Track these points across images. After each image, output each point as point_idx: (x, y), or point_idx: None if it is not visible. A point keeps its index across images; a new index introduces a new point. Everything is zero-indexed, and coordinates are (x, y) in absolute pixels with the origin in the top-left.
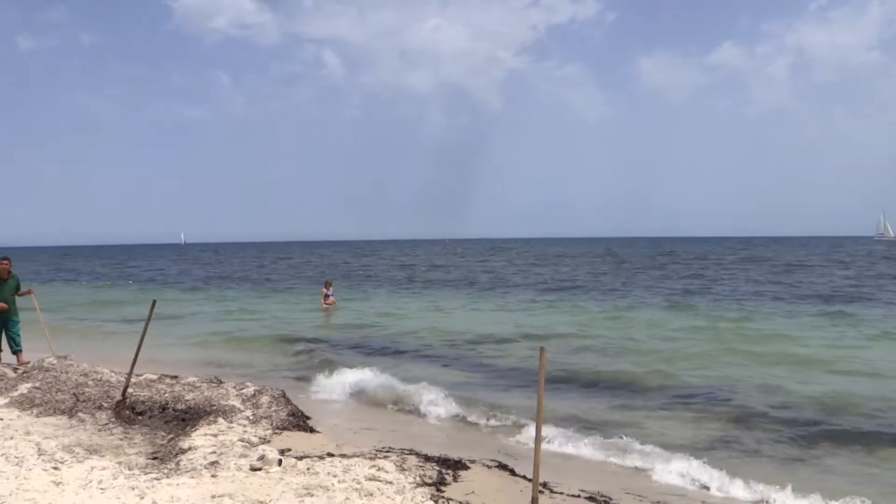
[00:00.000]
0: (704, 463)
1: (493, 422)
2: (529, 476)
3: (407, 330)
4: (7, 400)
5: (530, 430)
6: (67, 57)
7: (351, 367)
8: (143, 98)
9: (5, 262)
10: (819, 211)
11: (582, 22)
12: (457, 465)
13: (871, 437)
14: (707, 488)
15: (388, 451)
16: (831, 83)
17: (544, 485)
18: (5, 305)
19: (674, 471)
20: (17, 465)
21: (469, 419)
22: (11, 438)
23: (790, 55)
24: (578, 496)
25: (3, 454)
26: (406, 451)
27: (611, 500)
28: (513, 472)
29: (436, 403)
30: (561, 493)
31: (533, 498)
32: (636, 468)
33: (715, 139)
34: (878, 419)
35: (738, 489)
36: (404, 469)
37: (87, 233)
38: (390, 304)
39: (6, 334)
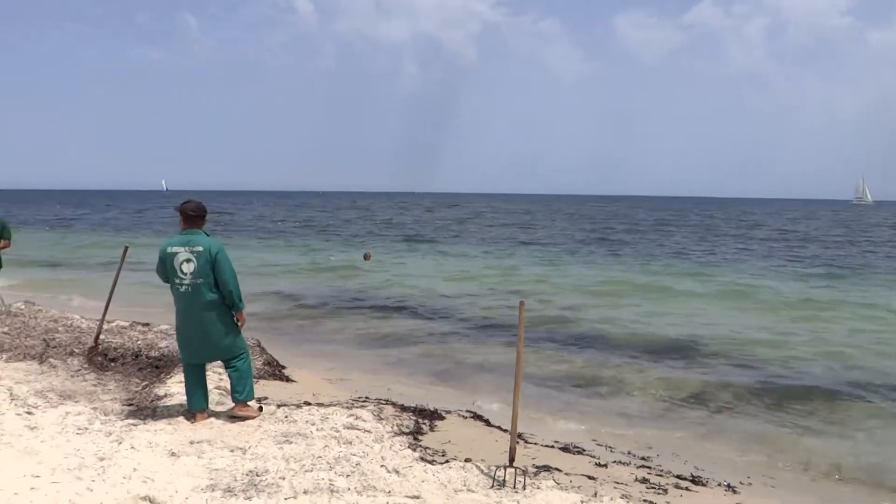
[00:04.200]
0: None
1: (471, 374)
2: (504, 427)
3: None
4: None
5: (506, 382)
6: None
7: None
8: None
9: None
10: (794, 173)
11: None
12: (433, 416)
13: None
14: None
15: (364, 401)
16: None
17: (519, 436)
18: (6, 244)
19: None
20: None
21: (443, 371)
22: None
23: (767, 15)
24: (552, 446)
25: None
26: (383, 402)
27: (584, 450)
28: (488, 423)
29: (413, 356)
30: (535, 444)
31: (511, 448)
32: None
33: (689, 99)
34: None
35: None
36: (381, 418)
37: (62, 179)
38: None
39: None
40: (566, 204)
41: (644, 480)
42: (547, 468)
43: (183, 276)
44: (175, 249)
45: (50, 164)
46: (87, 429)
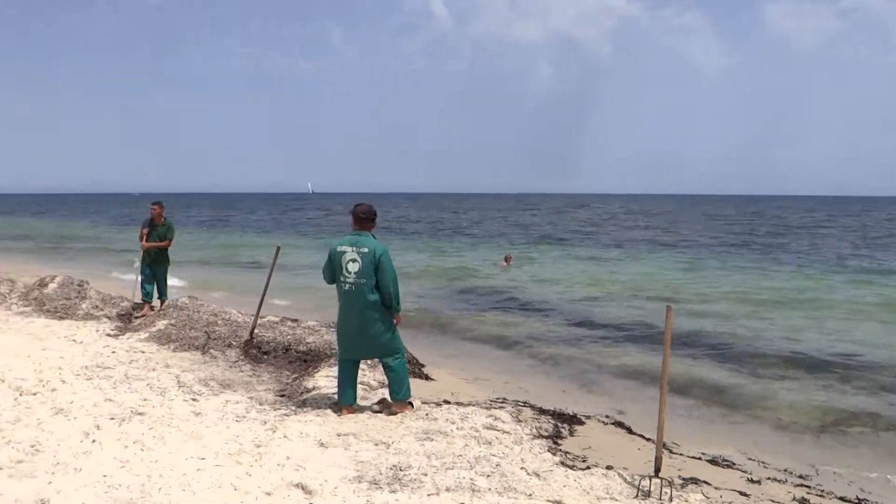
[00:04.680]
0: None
1: (609, 379)
2: (647, 435)
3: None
4: (147, 335)
5: (648, 390)
6: (195, 11)
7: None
8: (261, 51)
9: (156, 206)
10: None
11: None
12: (572, 420)
13: None
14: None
15: (502, 402)
16: None
17: (664, 445)
18: (168, 243)
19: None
20: (160, 394)
21: (583, 376)
22: (153, 370)
23: None
24: (699, 458)
25: (148, 384)
26: (521, 403)
27: (734, 464)
28: (630, 431)
29: (550, 359)
30: (681, 455)
31: (657, 457)
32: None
33: (847, 91)
34: None
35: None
36: (520, 420)
37: (210, 182)
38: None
39: (156, 280)
40: (706, 204)
41: (803, 501)
42: (695, 481)
43: (347, 275)
44: (343, 248)
45: (199, 168)
46: (244, 417)
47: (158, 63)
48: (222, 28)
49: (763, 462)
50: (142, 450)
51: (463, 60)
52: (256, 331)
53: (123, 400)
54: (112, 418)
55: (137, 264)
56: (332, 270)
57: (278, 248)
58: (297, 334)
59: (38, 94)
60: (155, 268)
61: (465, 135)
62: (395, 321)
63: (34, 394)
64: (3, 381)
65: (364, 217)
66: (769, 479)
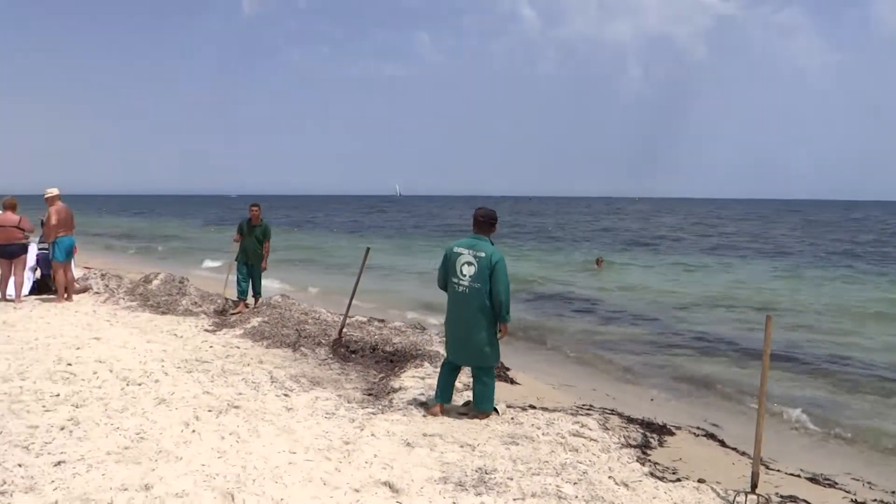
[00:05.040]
0: None
1: (700, 390)
2: (742, 449)
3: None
4: (242, 331)
5: (743, 402)
6: (285, 19)
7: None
8: (350, 58)
9: (255, 208)
10: None
11: None
12: (662, 430)
13: None
14: None
15: (589, 409)
16: None
17: (760, 461)
18: (268, 245)
19: None
20: (254, 389)
21: (673, 385)
22: (248, 365)
23: None
24: (798, 476)
25: (243, 378)
26: (608, 411)
27: (836, 483)
28: (723, 444)
29: (638, 367)
30: (778, 471)
31: (753, 472)
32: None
33: None
34: None
35: None
36: (608, 428)
37: (305, 184)
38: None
39: (251, 279)
40: (805, 209)
41: None
42: (793, 499)
43: (461, 278)
44: (460, 250)
45: (290, 171)
46: (333, 413)
47: (251, 70)
48: (312, 36)
49: (869, 483)
50: (237, 441)
51: (550, 63)
52: (345, 330)
53: (220, 393)
54: (210, 410)
55: (233, 263)
56: (446, 272)
57: (367, 250)
58: (384, 335)
59: (148, 100)
60: (250, 267)
61: (552, 138)
62: (500, 332)
63: (139, 384)
64: (111, 371)
65: (483, 220)
66: (875, 500)
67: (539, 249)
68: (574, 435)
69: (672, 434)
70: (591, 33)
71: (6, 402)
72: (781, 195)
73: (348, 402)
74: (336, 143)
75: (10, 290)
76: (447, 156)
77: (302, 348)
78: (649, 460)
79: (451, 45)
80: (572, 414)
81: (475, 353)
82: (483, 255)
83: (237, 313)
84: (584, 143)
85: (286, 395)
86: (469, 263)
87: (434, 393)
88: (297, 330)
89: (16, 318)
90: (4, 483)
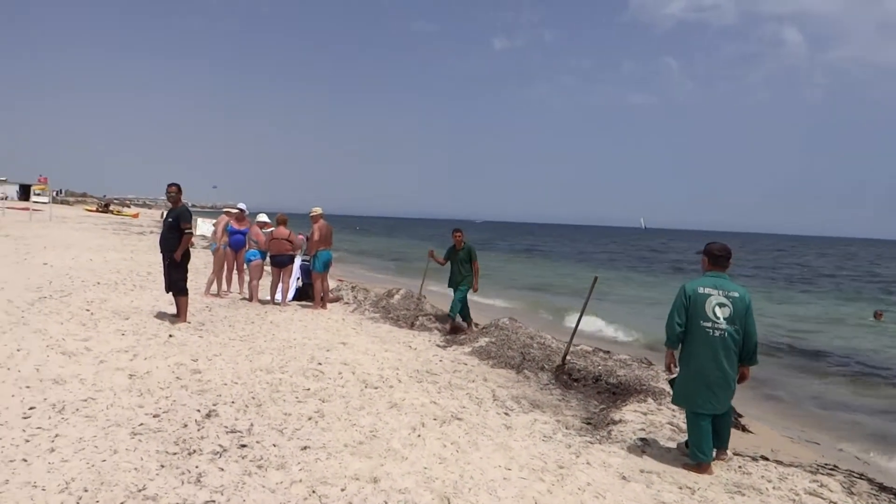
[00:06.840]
0: None
1: None
2: None
3: None
4: (470, 349)
5: None
6: (532, 53)
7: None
8: (592, 86)
9: (458, 234)
10: None
11: None
12: None
13: None
14: None
15: (832, 469)
16: None
17: None
18: (476, 265)
19: None
20: (477, 404)
21: None
22: (473, 381)
23: None
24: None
25: (467, 393)
26: (856, 475)
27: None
28: None
29: None
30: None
31: None
32: None
33: None
34: None
35: None
36: (853, 493)
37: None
38: None
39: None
40: None
41: None
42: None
43: (716, 321)
44: (708, 291)
45: (527, 200)
46: (550, 437)
47: (495, 104)
48: (555, 67)
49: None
50: (457, 451)
51: (817, 89)
52: (569, 357)
53: (446, 404)
54: (435, 419)
55: (428, 268)
56: (690, 315)
57: (595, 279)
58: (609, 366)
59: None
60: (459, 291)
61: (813, 170)
62: (744, 376)
63: (376, 388)
64: (353, 374)
65: (720, 255)
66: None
67: (806, 294)
68: (810, 494)
69: None
70: (868, 57)
71: (268, 390)
72: None
73: (566, 428)
74: (577, 172)
75: (278, 296)
76: (695, 188)
77: (525, 371)
78: None
79: (703, 72)
80: (811, 472)
81: (729, 398)
82: (737, 295)
83: (464, 332)
84: (853, 177)
85: (506, 414)
86: (722, 305)
87: (703, 450)
88: (521, 353)
89: (280, 319)
90: (262, 458)
